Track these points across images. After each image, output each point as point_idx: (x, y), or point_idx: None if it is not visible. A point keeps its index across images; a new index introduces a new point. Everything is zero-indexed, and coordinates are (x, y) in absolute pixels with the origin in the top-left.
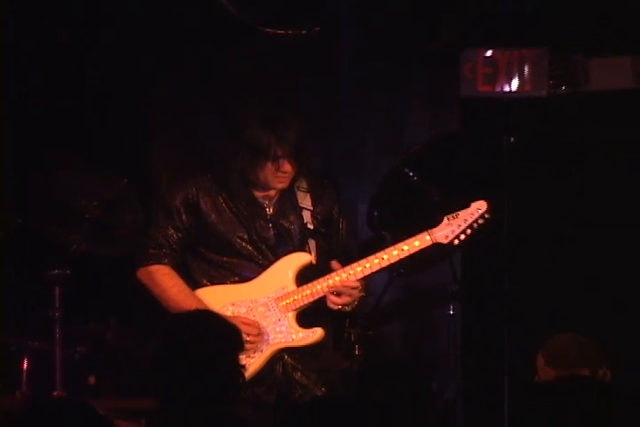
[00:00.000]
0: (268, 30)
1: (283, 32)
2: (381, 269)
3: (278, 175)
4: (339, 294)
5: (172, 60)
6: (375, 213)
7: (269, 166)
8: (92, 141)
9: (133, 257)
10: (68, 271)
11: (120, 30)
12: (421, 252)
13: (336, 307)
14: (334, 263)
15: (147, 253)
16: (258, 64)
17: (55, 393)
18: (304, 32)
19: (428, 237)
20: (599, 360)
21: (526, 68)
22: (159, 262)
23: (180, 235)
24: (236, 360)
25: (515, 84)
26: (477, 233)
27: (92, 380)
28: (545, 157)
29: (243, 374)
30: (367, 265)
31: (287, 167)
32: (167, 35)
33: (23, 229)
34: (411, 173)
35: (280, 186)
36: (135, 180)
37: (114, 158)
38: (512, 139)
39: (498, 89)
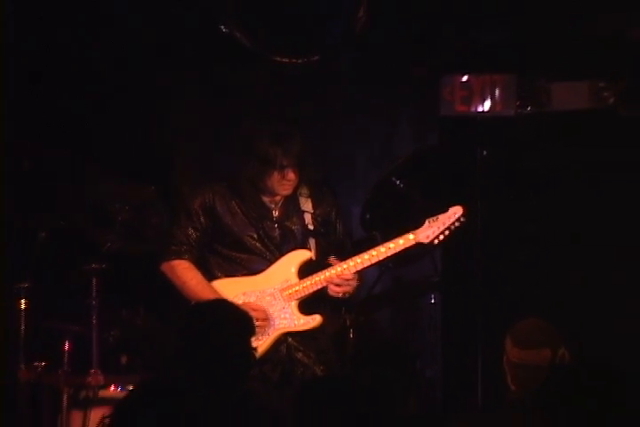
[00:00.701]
0: (276, 59)
1: (287, 60)
2: (372, 265)
3: (283, 183)
4: (338, 285)
5: (190, 88)
6: (367, 216)
7: (276, 175)
8: (124, 156)
9: (158, 253)
10: (104, 266)
11: (142, 52)
12: (406, 250)
13: (336, 295)
14: (332, 259)
15: (169, 249)
16: (267, 88)
17: (92, 371)
18: (305, 60)
19: (412, 237)
20: (559, 341)
21: (497, 92)
22: (180, 258)
23: (198, 234)
24: (249, 343)
25: (487, 104)
26: (454, 234)
27: (123, 359)
28: (513, 169)
29: (254, 355)
30: (359, 260)
31: (291, 176)
32: (185, 66)
33: (66, 230)
34: (397, 182)
35: (285, 192)
36: (160, 188)
37: (143, 170)
38: (485, 152)
39: (473, 109)
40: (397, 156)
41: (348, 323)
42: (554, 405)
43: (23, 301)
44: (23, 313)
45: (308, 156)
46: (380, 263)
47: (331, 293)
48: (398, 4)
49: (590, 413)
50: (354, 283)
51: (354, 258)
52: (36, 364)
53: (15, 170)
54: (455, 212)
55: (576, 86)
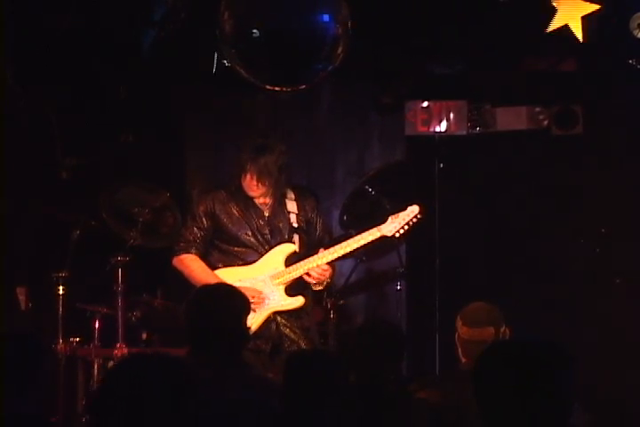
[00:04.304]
0: (268, 87)
1: (278, 88)
2: (346, 254)
3: (251, 186)
4: (309, 275)
5: (202, 112)
6: (344, 217)
7: (247, 178)
8: (147, 168)
9: (170, 250)
10: (128, 258)
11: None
12: (374, 242)
13: (310, 282)
14: (320, 250)
15: (178, 246)
16: (263, 111)
17: (117, 345)
18: (293, 89)
19: (377, 232)
20: (501, 321)
21: (451, 115)
22: (187, 252)
23: (201, 233)
24: (245, 321)
25: (443, 126)
26: (413, 228)
27: (144, 335)
28: (465, 177)
29: (248, 332)
30: (335, 254)
31: (255, 181)
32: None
33: (96, 228)
34: (369, 189)
35: (252, 193)
36: (175, 194)
37: (161, 179)
38: (441, 164)
39: (431, 129)
40: (370, 168)
41: (329, 306)
42: (482, 375)
43: (61, 287)
44: (61, 297)
45: (283, 164)
46: (353, 253)
47: (309, 280)
48: (371, 42)
49: (511, 384)
50: (328, 273)
51: (330, 250)
52: (71, 339)
53: (54, 179)
54: (413, 210)
55: (516, 110)
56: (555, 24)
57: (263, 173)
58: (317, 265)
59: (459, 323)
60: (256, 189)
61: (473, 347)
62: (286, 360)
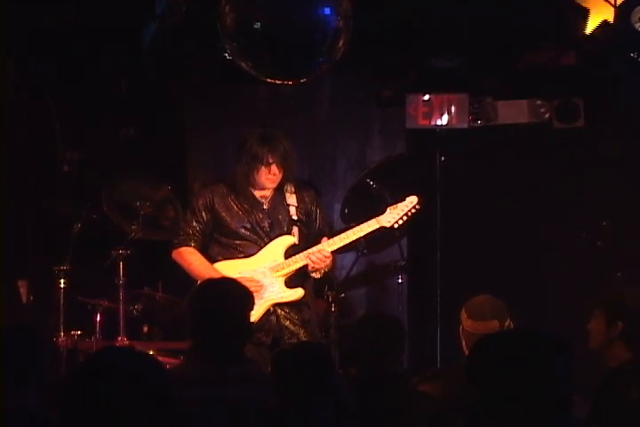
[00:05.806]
0: (269, 80)
1: (280, 82)
2: (346, 245)
3: (269, 177)
4: (317, 259)
5: (203, 104)
6: (346, 211)
7: (263, 170)
8: (148, 161)
9: (169, 243)
10: (129, 251)
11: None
12: (373, 233)
13: (314, 270)
14: (322, 240)
15: (177, 239)
16: (264, 105)
17: (119, 338)
18: (295, 82)
19: (376, 222)
20: (506, 314)
21: (453, 108)
22: (186, 245)
23: (200, 226)
24: (249, 316)
25: (445, 119)
26: (412, 219)
27: (145, 329)
28: (467, 171)
29: (252, 327)
30: (334, 246)
31: (275, 171)
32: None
33: (97, 222)
34: (371, 183)
35: (271, 185)
36: (176, 187)
37: (162, 172)
38: (443, 158)
39: (433, 123)
40: (371, 161)
41: (330, 299)
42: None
43: (62, 280)
44: (62, 291)
45: (291, 155)
46: (352, 245)
47: (310, 269)
48: (373, 36)
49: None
50: (329, 261)
51: (329, 241)
52: (73, 332)
53: (56, 173)
54: (411, 201)
55: (518, 104)
56: (591, 25)
57: (286, 159)
58: (319, 250)
59: (463, 316)
60: (274, 180)
61: (477, 340)
62: (272, 357)
